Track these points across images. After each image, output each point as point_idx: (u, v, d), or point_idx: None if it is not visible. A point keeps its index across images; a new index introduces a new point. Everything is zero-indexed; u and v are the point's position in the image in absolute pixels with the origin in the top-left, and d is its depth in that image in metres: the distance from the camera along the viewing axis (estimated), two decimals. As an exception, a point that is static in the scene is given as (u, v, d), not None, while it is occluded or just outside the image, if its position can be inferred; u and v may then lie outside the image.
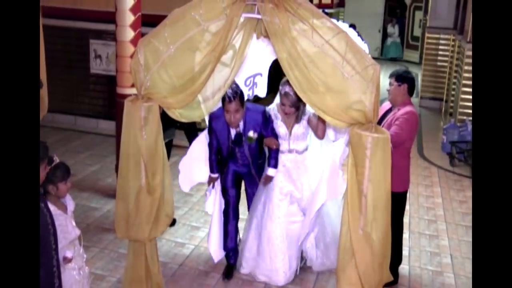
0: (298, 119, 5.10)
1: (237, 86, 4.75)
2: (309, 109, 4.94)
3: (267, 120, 5.05)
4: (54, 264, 3.52)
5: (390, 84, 5.12)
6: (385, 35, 20.96)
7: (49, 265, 3.47)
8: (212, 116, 4.99)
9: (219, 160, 5.31)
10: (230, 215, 5.39)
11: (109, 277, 5.17)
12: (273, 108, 5.18)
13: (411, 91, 5.11)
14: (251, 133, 4.94)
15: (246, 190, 5.54)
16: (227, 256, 5.46)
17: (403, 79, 5.08)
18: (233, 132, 4.99)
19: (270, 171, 5.20)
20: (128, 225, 4.52)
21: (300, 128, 5.11)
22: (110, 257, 5.53)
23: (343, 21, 5.85)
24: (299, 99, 4.55)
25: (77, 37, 9.21)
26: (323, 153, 5.31)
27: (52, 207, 3.68)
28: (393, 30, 20.78)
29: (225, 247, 5.42)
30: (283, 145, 5.16)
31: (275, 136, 5.15)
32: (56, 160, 3.77)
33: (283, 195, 5.23)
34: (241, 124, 4.94)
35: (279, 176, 5.23)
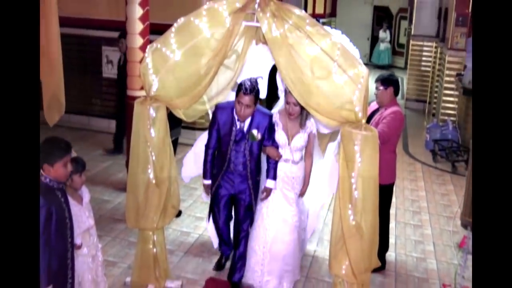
0: (301, 125, 4.64)
1: (257, 82, 4.37)
2: (312, 124, 4.68)
3: (272, 127, 4.60)
4: (69, 256, 3.48)
5: (377, 88, 5.12)
6: (373, 42, 20.64)
7: (64, 257, 3.44)
8: (218, 107, 4.56)
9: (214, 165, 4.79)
10: (220, 235, 5.05)
11: (120, 264, 5.16)
12: (274, 115, 4.77)
13: (396, 92, 5.12)
14: (255, 131, 4.46)
15: (235, 213, 4.85)
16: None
17: (388, 82, 5.08)
18: (236, 127, 4.50)
19: (269, 183, 4.67)
20: (138, 216, 4.53)
21: (301, 140, 4.67)
22: (121, 245, 5.52)
23: (335, 28, 5.85)
24: None
25: (91, 44, 9.19)
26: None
27: (70, 199, 3.64)
28: (385, 35, 19.72)
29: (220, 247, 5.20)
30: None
31: (276, 147, 4.68)
32: (73, 154, 3.74)
33: (274, 205, 4.74)
34: (247, 121, 4.47)
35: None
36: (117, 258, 5.25)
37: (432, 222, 6.61)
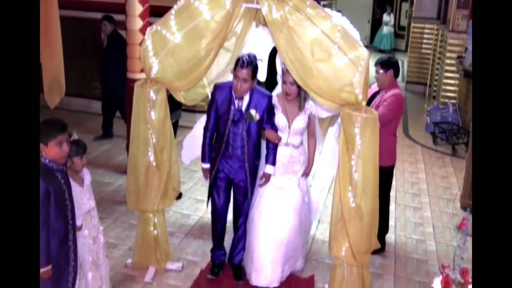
0: (300, 107, 4.49)
1: (255, 57, 4.23)
2: (311, 106, 4.53)
3: (271, 109, 4.41)
4: (70, 238, 3.49)
5: (377, 71, 5.10)
6: (374, 25, 20.42)
7: (64, 238, 3.44)
8: (216, 86, 4.41)
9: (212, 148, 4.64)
10: (216, 219, 4.73)
11: (121, 246, 5.19)
12: (273, 98, 4.62)
13: (396, 74, 5.11)
14: (253, 111, 4.29)
15: (234, 197, 4.69)
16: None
17: (388, 65, 5.06)
18: (234, 106, 4.31)
19: (268, 168, 4.49)
20: (139, 198, 4.55)
21: (301, 122, 4.51)
22: (122, 228, 5.55)
23: (337, 10, 5.81)
24: None
25: (90, 26, 9.13)
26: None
27: (70, 180, 3.67)
28: (389, 18, 18.93)
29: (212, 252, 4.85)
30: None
31: (276, 131, 4.52)
32: (75, 136, 3.75)
33: (276, 191, 4.59)
34: (246, 100, 4.30)
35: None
36: (118, 240, 5.28)
37: (431, 204, 6.63)
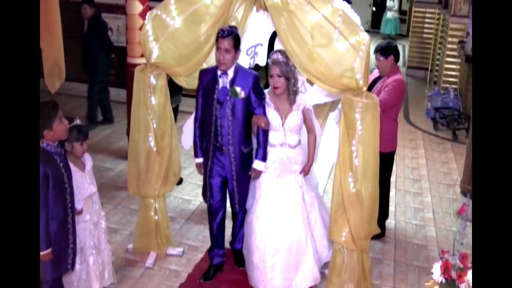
0: (290, 102, 4.25)
1: (236, 28, 4.07)
2: (303, 99, 4.32)
3: (258, 87, 4.16)
4: (69, 221, 3.53)
5: (377, 58, 5.07)
6: (377, 9, 20.09)
7: (64, 221, 3.48)
8: (202, 70, 4.26)
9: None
10: (211, 219, 4.55)
11: (122, 231, 5.22)
12: (266, 93, 4.36)
13: (396, 59, 5.09)
14: (238, 88, 4.06)
15: (228, 194, 4.48)
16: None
17: (388, 50, 5.04)
18: (218, 85, 4.09)
19: (256, 164, 4.24)
20: (139, 183, 4.57)
21: (295, 118, 4.27)
22: (123, 213, 5.57)
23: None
24: (289, 69, 4.09)
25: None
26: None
27: (71, 165, 3.67)
28: (393, 3, 17.98)
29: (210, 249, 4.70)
30: (275, 138, 4.31)
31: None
32: (76, 121, 3.76)
33: (274, 194, 4.34)
34: (230, 76, 4.07)
35: (268, 174, 4.35)
36: (119, 225, 5.31)
37: (432, 190, 6.65)
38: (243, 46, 4.62)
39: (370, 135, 3.93)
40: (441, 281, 2.47)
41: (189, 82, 4.57)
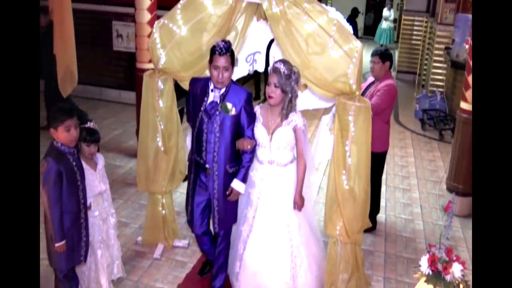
0: (282, 117, 3.78)
1: (230, 43, 3.70)
2: (298, 118, 3.84)
3: (250, 105, 3.76)
4: (82, 216, 3.54)
5: (374, 62, 5.05)
6: (377, 18, 19.64)
7: (77, 216, 3.50)
8: (192, 79, 3.94)
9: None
10: (198, 242, 4.24)
11: (132, 224, 5.22)
12: (256, 108, 3.94)
13: (390, 66, 5.10)
14: (229, 104, 3.66)
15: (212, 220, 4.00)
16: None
17: (386, 56, 5.04)
18: (208, 97, 3.74)
19: (235, 184, 3.77)
20: (148, 180, 4.57)
21: (283, 134, 3.78)
22: (132, 208, 5.57)
23: (331, 5, 5.76)
24: (288, 83, 3.69)
25: (101, 19, 9.09)
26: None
27: (83, 163, 3.67)
28: (389, 13, 17.18)
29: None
30: (263, 155, 3.87)
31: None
32: (89, 124, 3.75)
33: (261, 212, 3.92)
34: (222, 91, 3.70)
35: (255, 193, 3.95)
36: (129, 219, 5.31)
37: (419, 186, 6.64)
38: (243, 53, 4.61)
39: (362, 136, 3.91)
40: (428, 273, 2.46)
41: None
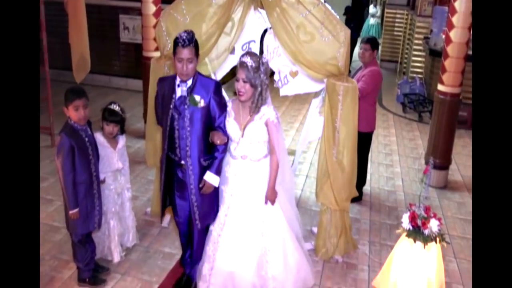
0: (251, 111, 3.36)
1: (193, 33, 3.32)
2: (270, 111, 3.40)
3: (219, 95, 3.39)
4: (95, 187, 3.61)
5: (365, 48, 5.06)
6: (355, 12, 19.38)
7: (90, 186, 3.58)
8: (159, 79, 3.59)
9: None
10: (179, 231, 3.86)
11: (141, 197, 5.29)
12: (227, 103, 3.52)
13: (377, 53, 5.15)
14: (197, 96, 3.30)
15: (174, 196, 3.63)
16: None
17: (375, 45, 5.10)
18: (176, 94, 3.37)
19: (208, 176, 3.39)
20: (156, 157, 4.59)
21: (255, 129, 3.37)
22: (141, 183, 5.63)
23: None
24: (257, 76, 3.27)
25: (109, 13, 9.07)
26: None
27: (104, 141, 3.79)
28: (375, 10, 16.36)
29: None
30: (236, 150, 3.46)
31: (225, 134, 3.43)
32: (113, 106, 3.83)
33: (234, 210, 3.50)
34: (188, 84, 3.34)
35: (228, 190, 3.52)
36: (138, 193, 5.37)
37: (401, 162, 6.71)
38: (239, 42, 4.59)
39: (349, 113, 3.95)
40: (409, 228, 2.54)
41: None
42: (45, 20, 5.97)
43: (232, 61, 4.60)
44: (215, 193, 3.53)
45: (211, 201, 3.54)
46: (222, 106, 3.41)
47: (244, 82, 3.27)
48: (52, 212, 4.91)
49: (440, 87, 5.79)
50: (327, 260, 4.30)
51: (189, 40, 3.22)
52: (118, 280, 3.89)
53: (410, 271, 2.53)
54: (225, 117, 3.41)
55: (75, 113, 3.44)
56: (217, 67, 4.51)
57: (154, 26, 6.09)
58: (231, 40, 4.33)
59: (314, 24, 3.80)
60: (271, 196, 3.44)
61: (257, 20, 4.47)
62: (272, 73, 4.43)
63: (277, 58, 4.46)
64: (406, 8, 12.68)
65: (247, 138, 3.38)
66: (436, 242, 2.51)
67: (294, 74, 4.49)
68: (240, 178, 3.46)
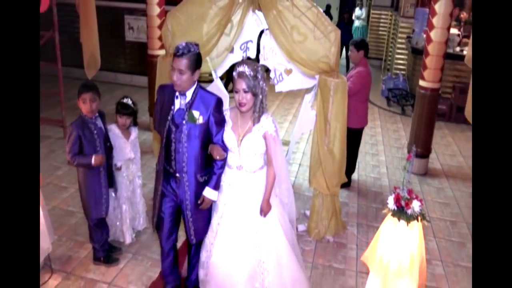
0: (254, 121, 3.02)
1: (194, 46, 2.92)
2: (269, 123, 3.03)
3: (219, 112, 3.01)
4: (102, 177, 3.65)
5: (351, 50, 5.11)
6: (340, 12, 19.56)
7: (98, 175, 3.62)
8: (160, 86, 3.20)
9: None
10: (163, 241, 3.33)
11: (148, 184, 5.29)
12: (225, 111, 3.14)
13: (366, 53, 5.15)
14: (196, 112, 2.94)
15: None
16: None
17: (360, 46, 5.10)
18: (174, 106, 3.01)
19: (207, 192, 3.08)
20: (162, 147, 4.64)
21: (253, 141, 3.02)
22: (148, 171, 5.63)
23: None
24: (256, 84, 2.93)
25: (115, 14, 9.06)
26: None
27: (119, 132, 3.86)
28: (360, 12, 15.26)
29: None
30: (232, 160, 3.11)
31: (225, 149, 3.08)
32: (125, 99, 3.87)
33: (226, 220, 3.16)
34: (188, 98, 2.98)
35: (221, 199, 3.17)
36: (145, 180, 5.34)
37: (385, 151, 6.78)
38: (238, 42, 4.57)
39: (339, 107, 4.01)
40: (394, 209, 2.62)
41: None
42: (57, 20, 6.01)
43: (231, 59, 4.65)
44: (210, 208, 3.22)
45: (206, 215, 3.22)
46: (221, 123, 3.05)
47: (245, 92, 2.91)
48: (67, 198, 4.98)
49: (421, 82, 5.89)
50: (319, 240, 4.38)
51: (184, 52, 2.86)
52: (130, 259, 3.98)
53: (394, 246, 2.63)
54: (223, 133, 3.06)
55: (83, 106, 3.50)
56: (217, 65, 4.55)
57: (159, 26, 6.14)
58: (231, 40, 4.36)
59: (308, 25, 3.85)
60: (265, 208, 3.10)
61: (254, 21, 4.50)
62: (268, 70, 4.47)
63: (272, 57, 4.50)
64: (390, 10, 12.74)
65: (244, 150, 3.05)
66: (418, 220, 2.61)
67: (288, 72, 4.54)
68: (235, 188, 3.14)
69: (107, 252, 3.92)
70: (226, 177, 3.15)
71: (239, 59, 4.75)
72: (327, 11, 13.99)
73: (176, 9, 4.21)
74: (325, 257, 4.16)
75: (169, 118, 2.99)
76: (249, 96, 2.92)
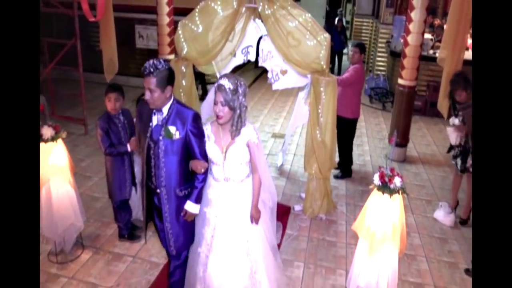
0: (232, 134, 2.77)
1: (165, 62, 2.63)
2: (251, 132, 2.81)
3: (196, 126, 2.72)
4: (126, 164, 3.79)
5: (355, 51, 5.12)
6: (326, 19, 19.66)
7: (122, 162, 3.75)
8: (141, 102, 2.86)
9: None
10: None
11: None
12: (205, 125, 2.88)
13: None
14: (172, 128, 2.69)
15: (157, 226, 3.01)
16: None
17: (363, 49, 5.19)
18: (152, 122, 2.76)
19: (188, 205, 2.80)
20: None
21: (237, 151, 2.79)
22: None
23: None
24: (235, 98, 2.67)
25: (127, 23, 9.12)
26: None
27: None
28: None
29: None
30: (218, 172, 2.86)
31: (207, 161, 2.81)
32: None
33: (220, 232, 2.92)
34: (164, 114, 2.72)
35: (212, 211, 2.93)
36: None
37: (369, 142, 6.90)
38: (240, 48, 4.66)
39: (330, 102, 4.15)
40: (379, 184, 2.79)
41: (207, 68, 4.67)
42: (79, 30, 6.13)
43: (233, 62, 4.78)
44: (192, 221, 2.94)
45: (186, 229, 2.92)
46: (201, 136, 2.77)
47: (223, 105, 2.67)
48: (92, 186, 5.13)
49: (399, 81, 6.06)
50: (313, 218, 4.53)
51: (150, 70, 2.57)
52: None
53: (379, 217, 2.80)
54: (203, 148, 2.79)
55: (108, 103, 3.65)
56: (222, 67, 4.67)
57: (168, 34, 6.27)
58: (234, 46, 4.48)
59: (301, 31, 4.00)
60: (255, 215, 2.90)
61: (254, 28, 4.62)
62: (266, 71, 4.63)
63: (270, 59, 4.65)
64: (371, 17, 12.84)
65: (229, 161, 2.81)
66: (399, 194, 2.78)
67: (284, 72, 4.69)
68: (224, 200, 2.90)
69: (130, 230, 4.06)
70: (214, 190, 2.90)
71: (241, 62, 4.87)
72: (327, 17, 13.75)
73: (187, 19, 4.32)
74: (319, 232, 4.32)
75: (148, 134, 2.76)
76: (226, 109, 2.68)
